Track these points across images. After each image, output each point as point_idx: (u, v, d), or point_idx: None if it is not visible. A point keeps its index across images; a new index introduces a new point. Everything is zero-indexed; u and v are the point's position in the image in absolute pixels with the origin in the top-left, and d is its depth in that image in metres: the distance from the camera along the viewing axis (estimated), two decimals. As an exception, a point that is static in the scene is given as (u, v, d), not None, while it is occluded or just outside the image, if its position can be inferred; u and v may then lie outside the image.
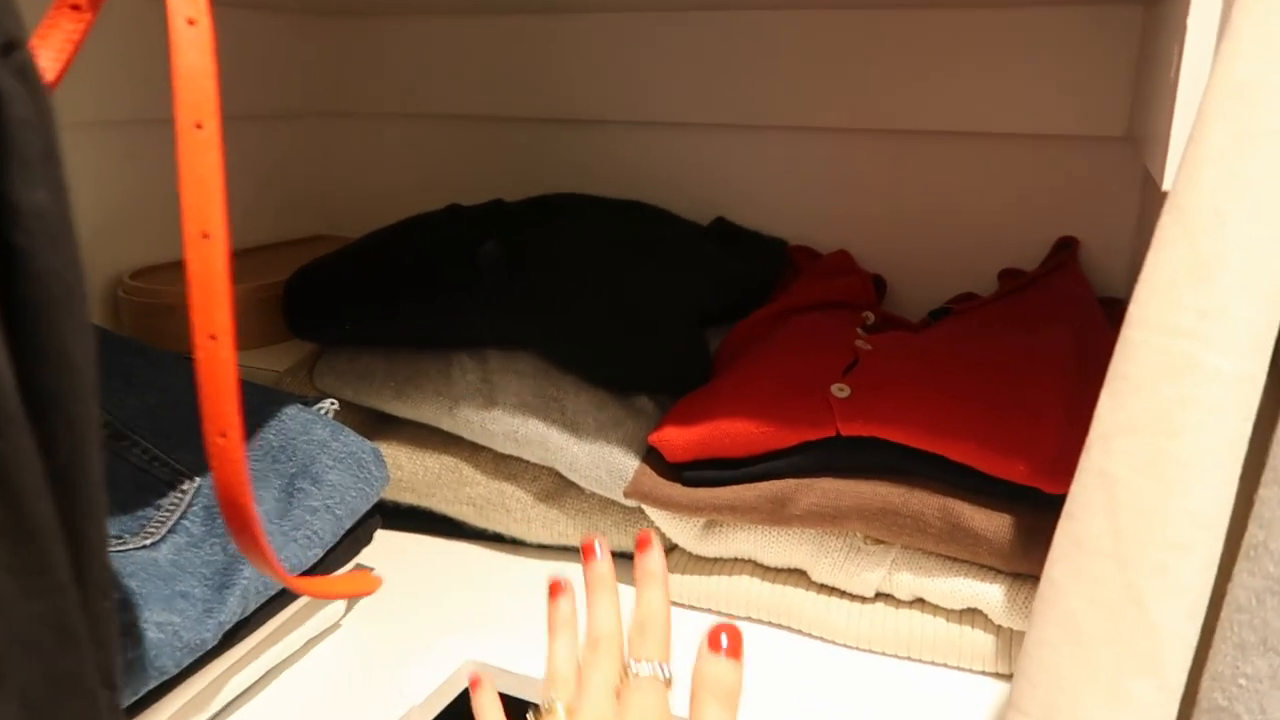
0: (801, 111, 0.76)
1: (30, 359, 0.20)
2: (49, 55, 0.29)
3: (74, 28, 0.29)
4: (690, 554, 0.56)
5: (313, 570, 0.49)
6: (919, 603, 0.51)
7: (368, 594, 0.41)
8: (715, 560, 0.56)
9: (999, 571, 0.49)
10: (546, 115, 0.85)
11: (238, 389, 0.26)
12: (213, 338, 0.26)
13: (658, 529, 0.57)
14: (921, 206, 0.75)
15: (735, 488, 0.52)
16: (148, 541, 0.45)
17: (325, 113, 0.92)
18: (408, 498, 0.62)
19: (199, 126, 0.26)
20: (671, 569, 0.56)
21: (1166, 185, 0.33)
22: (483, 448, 0.61)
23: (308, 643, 0.51)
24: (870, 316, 0.66)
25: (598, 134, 0.84)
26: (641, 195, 0.83)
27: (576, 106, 0.84)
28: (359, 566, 0.59)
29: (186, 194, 0.26)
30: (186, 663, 0.41)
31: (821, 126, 0.76)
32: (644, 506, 0.55)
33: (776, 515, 0.51)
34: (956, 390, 0.50)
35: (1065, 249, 0.69)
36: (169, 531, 0.46)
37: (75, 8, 0.29)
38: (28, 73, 0.20)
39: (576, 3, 0.77)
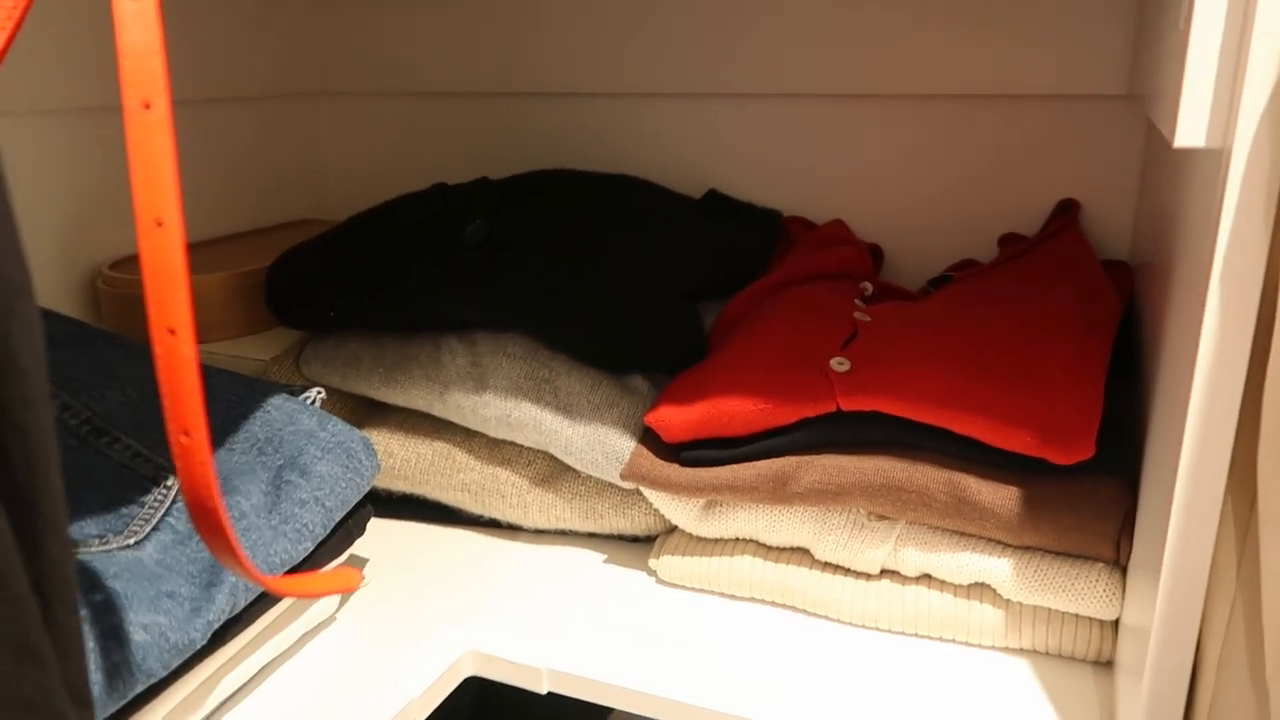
0: (793, 78, 0.74)
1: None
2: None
3: (12, 7, 0.27)
4: (690, 535, 0.55)
5: (304, 564, 0.48)
6: (925, 578, 0.50)
7: (350, 590, 0.39)
8: (716, 541, 0.54)
9: (1007, 545, 0.48)
10: (532, 90, 0.83)
11: (201, 385, 0.25)
12: (171, 332, 0.24)
13: (656, 511, 0.56)
14: (918, 173, 0.73)
15: (734, 467, 0.50)
16: (131, 540, 0.43)
17: (306, 93, 0.90)
18: (400, 486, 0.61)
19: (147, 106, 0.24)
20: (671, 551, 0.55)
21: (1178, 142, 0.32)
22: (475, 433, 0.60)
23: (301, 638, 0.50)
24: (868, 287, 0.65)
25: (585, 107, 0.82)
26: (632, 169, 0.81)
27: (563, 80, 0.82)
28: (352, 558, 0.58)
29: (137, 180, 0.24)
30: (175, 664, 0.39)
31: (814, 93, 0.74)
32: (642, 488, 0.54)
33: (778, 494, 0.50)
34: (959, 360, 0.49)
35: (1066, 212, 0.68)
36: (153, 529, 0.44)
37: (18, -15, 0.27)
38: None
39: (558, -28, 0.75)
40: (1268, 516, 0.30)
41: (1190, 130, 0.31)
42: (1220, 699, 0.35)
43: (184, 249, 0.24)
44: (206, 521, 0.26)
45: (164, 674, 0.39)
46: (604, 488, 0.57)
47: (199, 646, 0.41)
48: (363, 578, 0.43)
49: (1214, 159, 0.32)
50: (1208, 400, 0.33)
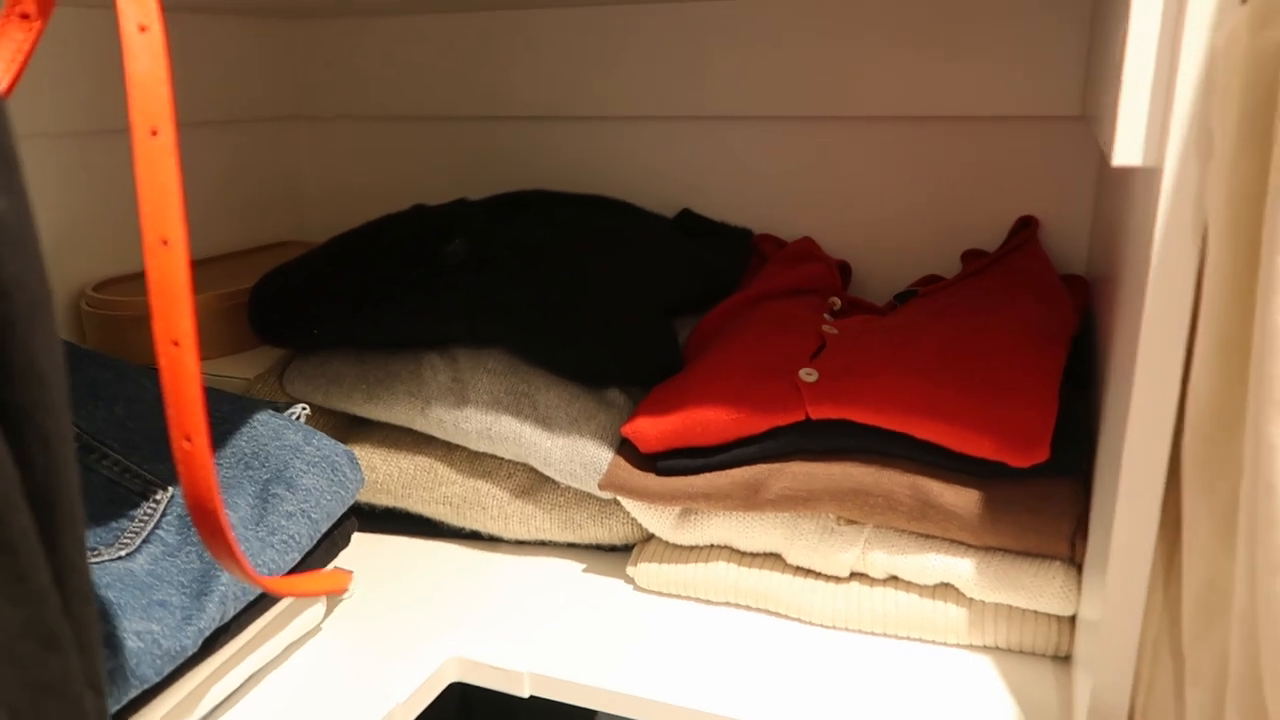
0: (763, 101, 0.77)
1: (1, 374, 0.20)
2: (0, 65, 0.29)
3: (24, 37, 0.29)
4: (667, 543, 0.57)
5: (293, 571, 0.49)
6: (893, 580, 0.52)
7: (340, 591, 0.41)
8: (692, 548, 0.56)
9: (969, 546, 0.50)
10: (509, 113, 0.85)
11: (202, 394, 0.26)
12: (175, 344, 0.26)
13: (634, 520, 0.58)
14: (884, 191, 0.76)
15: (708, 475, 0.52)
16: (123, 552, 0.45)
17: (286, 117, 0.92)
18: (384, 500, 0.62)
19: (154, 133, 0.26)
20: (648, 559, 0.56)
21: (1116, 161, 0.34)
22: (457, 447, 0.61)
23: (289, 647, 0.51)
24: (837, 302, 0.67)
25: (561, 130, 0.84)
26: (608, 189, 0.83)
27: (539, 103, 0.84)
28: (337, 569, 0.59)
29: (144, 201, 0.26)
30: (168, 670, 0.40)
31: (783, 115, 0.77)
32: (619, 498, 0.56)
33: (750, 501, 0.51)
34: (922, 370, 0.51)
35: (1026, 228, 0.70)
36: (144, 542, 0.46)
37: (25, 16, 0.29)
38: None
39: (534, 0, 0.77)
40: (1189, 499, 0.33)
41: (1126, 150, 0.34)
42: (1155, 678, 0.37)
43: (188, 267, 0.26)
44: (207, 523, 0.28)
45: (157, 680, 0.40)
46: (583, 498, 0.59)
47: (190, 653, 0.42)
48: (351, 577, 0.44)
49: (1150, 176, 0.35)
50: (1145, 405, 0.35)
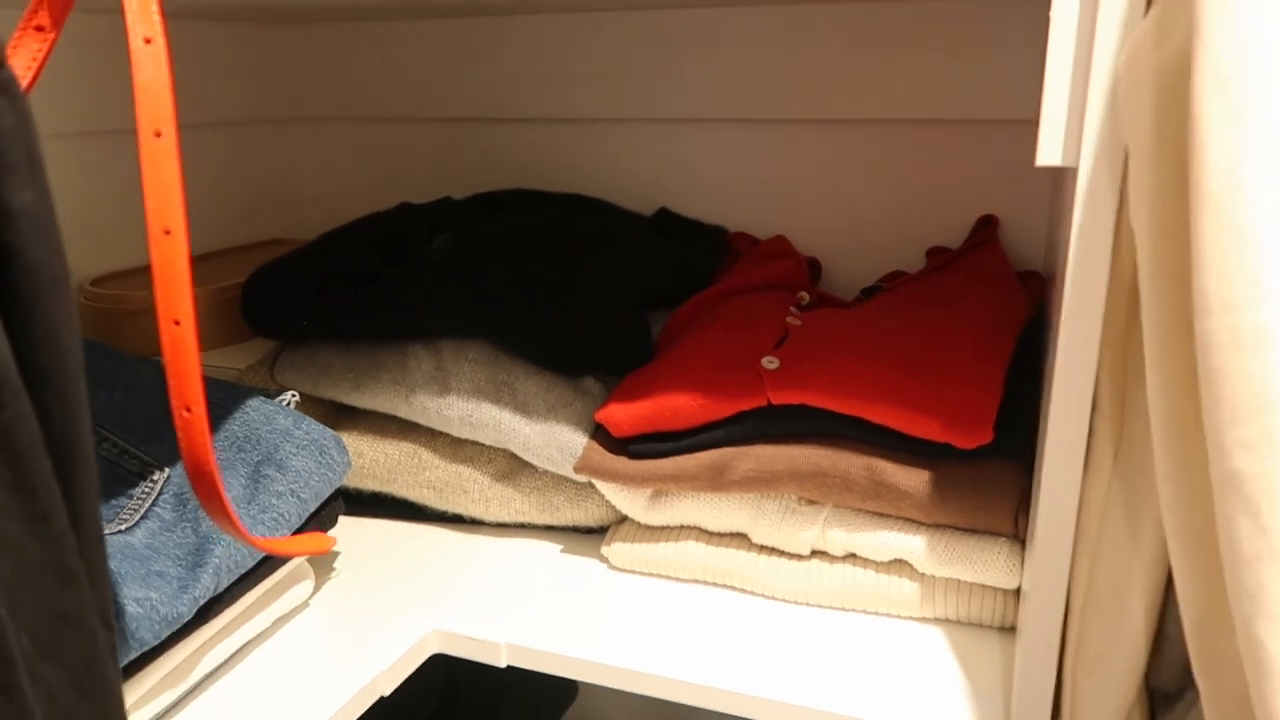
0: (737, 105, 0.80)
1: (24, 341, 0.23)
2: (17, 72, 0.31)
3: (39, 47, 0.32)
4: (639, 524, 0.60)
5: (281, 551, 0.52)
6: (851, 557, 0.55)
7: (321, 552, 0.44)
8: (663, 529, 0.59)
9: (921, 524, 0.53)
10: (492, 115, 0.88)
11: (199, 367, 0.29)
12: (176, 323, 0.29)
13: (608, 503, 0.61)
14: (853, 191, 0.79)
15: (677, 458, 0.55)
16: (123, 527, 0.47)
17: (278, 119, 0.95)
18: (370, 484, 0.65)
19: (158, 135, 0.29)
20: (622, 539, 0.59)
21: (1039, 162, 0.37)
22: (440, 433, 0.64)
23: (277, 620, 0.54)
24: (805, 296, 0.70)
25: (543, 132, 0.87)
26: (588, 189, 0.86)
27: (521, 106, 0.87)
28: (318, 533, 0.62)
29: (149, 195, 0.29)
30: (165, 635, 0.43)
31: (756, 119, 0.80)
32: (594, 480, 0.58)
33: (716, 482, 0.54)
34: (877, 358, 0.54)
35: (986, 226, 0.74)
36: (142, 518, 0.49)
37: (40, 28, 0.32)
38: (10, 88, 0.23)
39: (520, 5, 0.80)
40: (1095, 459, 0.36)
41: (1048, 151, 0.37)
42: (1083, 641, 0.40)
43: (188, 255, 0.29)
44: (204, 485, 0.30)
45: (155, 643, 0.43)
46: (560, 482, 0.62)
47: (186, 620, 0.45)
48: (333, 541, 0.47)
49: (1071, 175, 0.38)
50: (1063, 390, 0.38)
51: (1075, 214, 0.36)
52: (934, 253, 0.76)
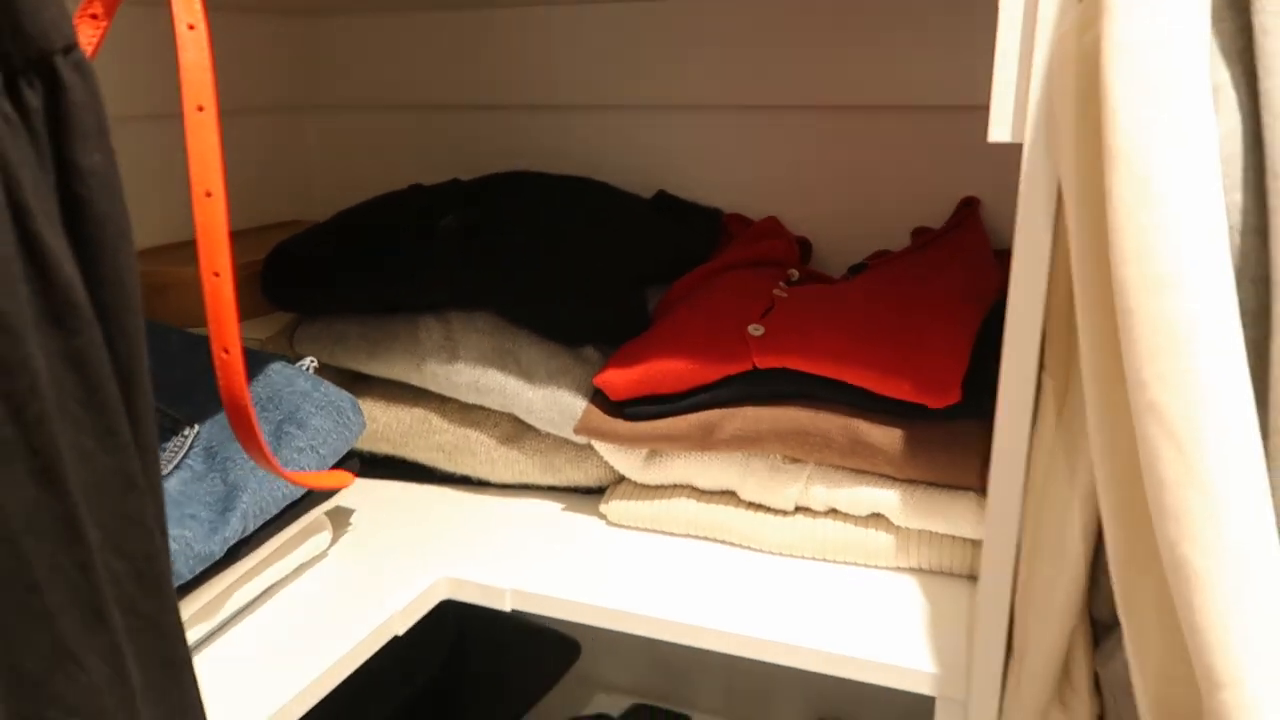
0: (732, 92, 0.84)
1: (93, 281, 0.27)
2: (87, 33, 0.36)
3: (93, 34, 0.36)
4: (635, 483, 0.64)
5: (301, 502, 0.57)
6: (832, 512, 0.59)
7: (343, 486, 0.48)
8: (657, 487, 0.63)
9: (895, 479, 0.57)
10: (499, 102, 0.92)
11: (237, 314, 0.33)
12: (216, 274, 0.33)
13: (607, 464, 0.65)
14: (842, 175, 0.83)
15: (670, 419, 0.59)
16: (158, 476, 0.52)
17: (295, 107, 0.99)
18: (384, 448, 0.69)
19: (200, 109, 0.33)
20: (619, 497, 0.63)
21: (990, 138, 0.41)
22: (449, 399, 0.68)
23: (299, 567, 0.58)
24: (795, 273, 0.74)
25: (548, 118, 0.91)
26: (589, 173, 0.90)
27: (527, 93, 0.91)
28: (340, 507, 0.66)
29: (193, 162, 0.33)
30: (199, 570, 0.48)
31: (750, 105, 0.84)
32: (593, 442, 0.63)
33: (706, 441, 0.58)
34: (855, 327, 0.58)
35: (968, 207, 0.77)
36: (175, 469, 0.53)
37: (94, 16, 0.36)
38: (82, 66, 0.27)
39: (523, -3, 0.84)
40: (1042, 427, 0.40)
41: (998, 129, 0.41)
42: (1030, 584, 0.44)
43: (226, 213, 0.33)
44: (239, 419, 0.35)
45: (189, 578, 0.47)
46: (561, 444, 0.66)
47: (217, 558, 0.49)
48: (354, 477, 0.51)
49: (1018, 151, 0.42)
50: (1014, 351, 0.42)
51: (1021, 185, 0.40)
52: (918, 233, 0.80)
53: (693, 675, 1.02)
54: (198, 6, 0.33)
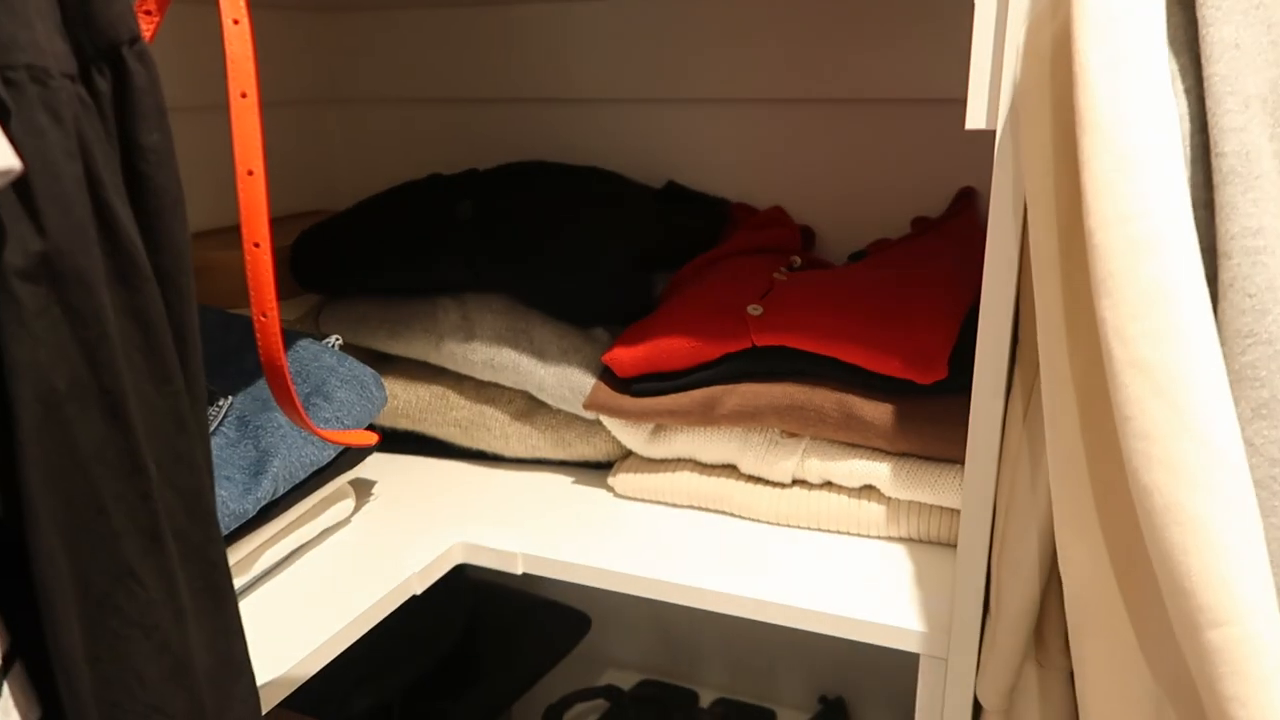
0: (740, 86, 0.87)
1: (152, 245, 0.31)
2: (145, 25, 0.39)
3: (146, 28, 0.39)
4: (642, 456, 0.67)
5: (327, 469, 0.60)
6: (826, 484, 0.62)
7: (369, 443, 0.51)
8: (662, 461, 0.66)
9: (887, 453, 0.60)
10: (516, 96, 0.95)
11: (274, 280, 0.37)
12: (257, 245, 0.37)
13: (615, 440, 0.68)
14: (845, 166, 0.86)
15: (673, 395, 0.62)
16: (194, 441, 0.55)
17: (320, 100, 1.03)
18: (403, 424, 0.73)
19: (244, 95, 0.37)
20: (627, 470, 0.67)
21: (968, 126, 0.44)
22: (465, 376, 0.72)
23: (324, 532, 0.62)
24: (797, 260, 0.77)
25: (563, 111, 0.94)
26: (602, 164, 0.94)
27: (543, 87, 0.94)
28: (362, 479, 0.70)
29: (237, 143, 0.36)
30: (234, 527, 0.51)
31: (758, 98, 0.87)
32: (601, 417, 0.66)
33: (707, 416, 0.62)
34: (850, 308, 0.61)
35: (965, 197, 0.80)
36: (211, 435, 0.57)
37: (147, 12, 0.40)
38: (144, 56, 0.31)
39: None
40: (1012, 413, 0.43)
41: (974, 116, 0.44)
42: (1002, 553, 0.47)
43: (266, 190, 0.37)
44: (275, 377, 0.38)
45: (225, 534, 0.51)
46: (572, 420, 0.69)
47: (250, 516, 0.53)
48: (378, 437, 0.54)
49: (992, 139, 0.45)
50: (988, 331, 0.45)
51: (994, 171, 0.43)
52: (917, 222, 0.82)
53: (699, 652, 1.05)
54: (242, 3, 0.37)
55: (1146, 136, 0.34)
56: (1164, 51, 0.35)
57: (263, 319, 0.37)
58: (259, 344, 0.38)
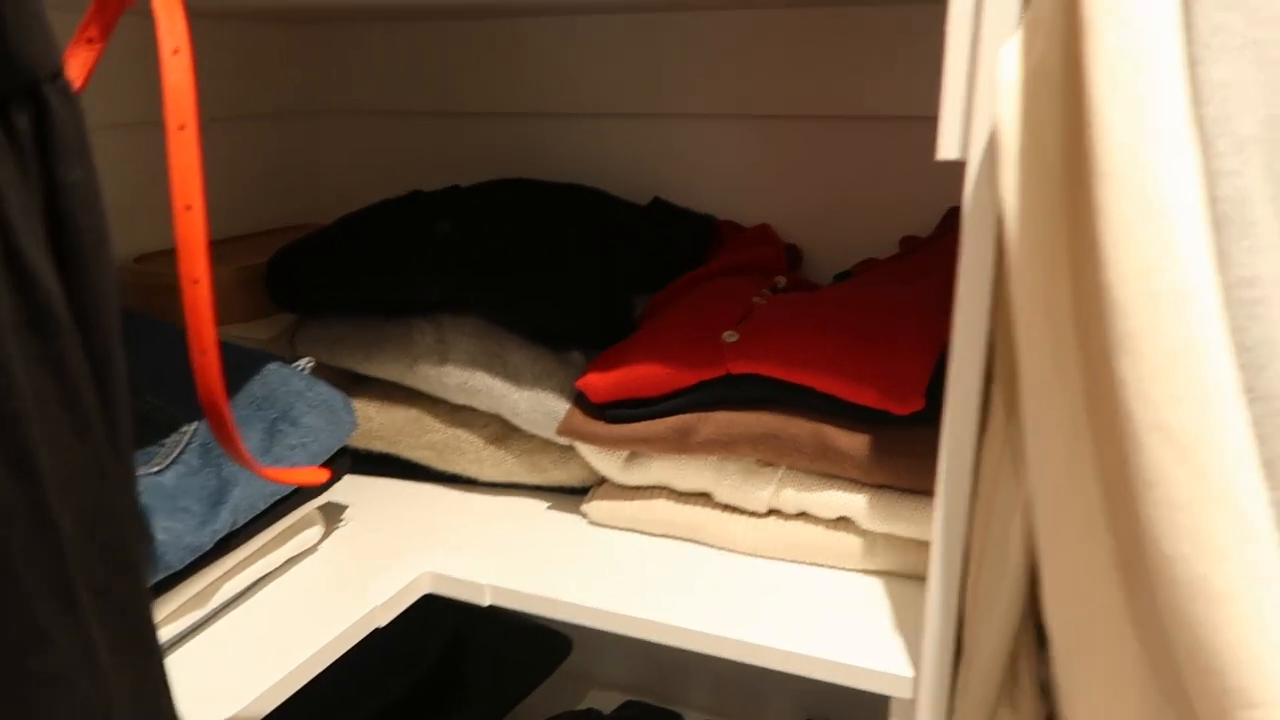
0: (726, 102, 0.85)
1: (74, 288, 0.30)
2: (78, 63, 0.38)
3: (89, 56, 0.38)
4: (616, 484, 0.66)
5: (293, 497, 0.59)
6: (802, 515, 0.61)
7: (316, 483, 0.50)
8: (637, 488, 0.65)
9: (863, 484, 0.58)
10: (499, 110, 0.94)
11: (213, 317, 0.36)
12: (195, 282, 0.35)
13: (590, 465, 0.67)
14: (832, 184, 0.84)
15: (648, 422, 0.61)
16: (154, 469, 0.54)
17: (300, 112, 1.02)
18: (378, 446, 0.72)
19: (182, 128, 0.35)
20: (600, 497, 0.65)
21: (939, 156, 0.42)
22: (440, 399, 0.70)
23: (288, 560, 0.61)
24: (781, 280, 0.75)
25: (546, 126, 0.93)
26: (590, 179, 0.92)
27: (527, 102, 0.93)
28: (332, 503, 0.69)
29: (174, 178, 0.35)
30: (189, 561, 0.50)
31: (744, 114, 0.86)
32: (575, 443, 0.65)
33: (682, 444, 0.60)
34: (827, 334, 0.60)
35: (954, 217, 0.79)
36: (172, 463, 0.55)
37: (90, 40, 0.38)
38: (66, 91, 0.30)
39: (524, 8, 0.86)
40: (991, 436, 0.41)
41: (946, 147, 0.42)
42: (978, 588, 0.46)
43: (205, 226, 0.35)
44: (215, 417, 0.37)
45: (180, 568, 0.50)
46: (547, 445, 0.68)
47: (206, 549, 0.51)
48: (328, 474, 0.53)
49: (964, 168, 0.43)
50: (960, 365, 0.44)
51: (965, 201, 0.41)
52: (905, 241, 0.81)
53: (684, 673, 1.04)
54: (182, 30, 0.36)
55: (1168, 184, 0.31)
56: (1183, 94, 0.33)
57: (202, 358, 0.36)
58: (198, 383, 0.36)
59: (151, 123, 0.83)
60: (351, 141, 1.03)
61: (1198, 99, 0.33)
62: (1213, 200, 0.33)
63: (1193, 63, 0.34)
